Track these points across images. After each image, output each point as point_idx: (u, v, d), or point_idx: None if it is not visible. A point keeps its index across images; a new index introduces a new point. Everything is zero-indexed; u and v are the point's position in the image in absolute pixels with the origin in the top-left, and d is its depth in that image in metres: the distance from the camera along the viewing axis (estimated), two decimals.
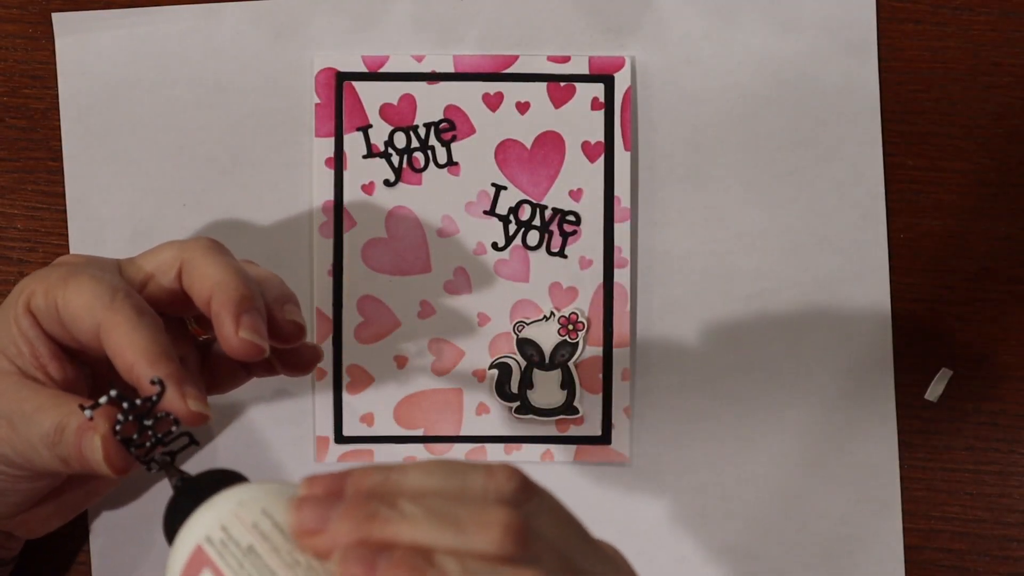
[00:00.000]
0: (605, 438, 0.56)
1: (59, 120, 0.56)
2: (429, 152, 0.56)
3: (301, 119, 0.56)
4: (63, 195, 0.56)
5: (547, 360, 0.56)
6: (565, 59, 0.55)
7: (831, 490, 0.56)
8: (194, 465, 0.56)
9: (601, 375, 0.56)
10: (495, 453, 0.56)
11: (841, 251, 0.56)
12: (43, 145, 0.56)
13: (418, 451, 0.56)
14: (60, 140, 0.56)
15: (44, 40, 0.56)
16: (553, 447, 0.56)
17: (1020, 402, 0.56)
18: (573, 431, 0.56)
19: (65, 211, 0.56)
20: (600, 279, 0.56)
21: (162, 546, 0.55)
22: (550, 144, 0.56)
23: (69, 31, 0.56)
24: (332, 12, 0.56)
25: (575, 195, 0.56)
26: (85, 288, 0.44)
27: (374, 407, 0.56)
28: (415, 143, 0.55)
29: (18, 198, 0.56)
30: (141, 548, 0.56)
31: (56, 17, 0.56)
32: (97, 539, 0.56)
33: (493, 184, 0.56)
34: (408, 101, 0.55)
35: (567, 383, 0.56)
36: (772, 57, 0.56)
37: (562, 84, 0.55)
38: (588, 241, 0.56)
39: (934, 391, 0.56)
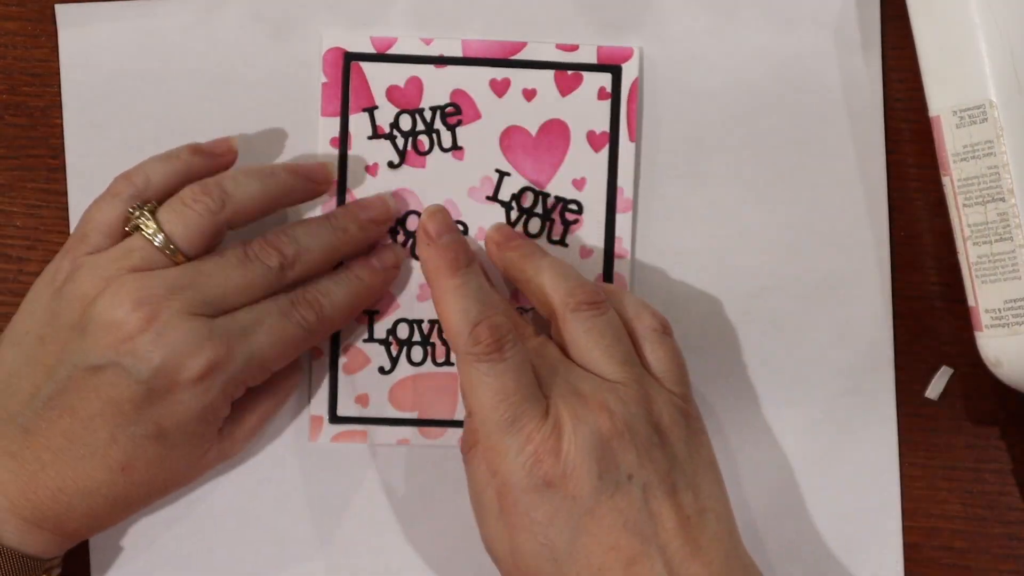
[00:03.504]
0: None
1: (59, 118, 0.58)
2: (434, 136, 0.58)
3: (307, 101, 0.58)
4: (63, 193, 0.58)
5: None
6: (573, 48, 0.58)
7: (831, 489, 0.58)
8: None
9: None
10: None
11: (842, 249, 0.58)
12: (43, 143, 0.59)
13: (411, 434, 0.58)
14: (60, 138, 0.58)
15: (44, 37, 0.59)
16: None
17: (1020, 400, 0.58)
18: None
19: (65, 208, 0.58)
20: (600, 269, 0.58)
21: (162, 545, 0.58)
22: (555, 132, 0.58)
23: (72, 23, 0.58)
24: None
25: (578, 184, 0.58)
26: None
27: (369, 388, 0.58)
28: (420, 126, 0.58)
29: (17, 196, 0.59)
30: (141, 546, 0.58)
31: (59, 8, 0.58)
32: (97, 537, 0.58)
33: (497, 170, 0.58)
34: (415, 84, 0.58)
35: None
36: (774, 54, 0.58)
37: (569, 72, 0.58)
38: (589, 230, 0.58)
39: (935, 389, 0.58)
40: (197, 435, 0.52)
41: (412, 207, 0.58)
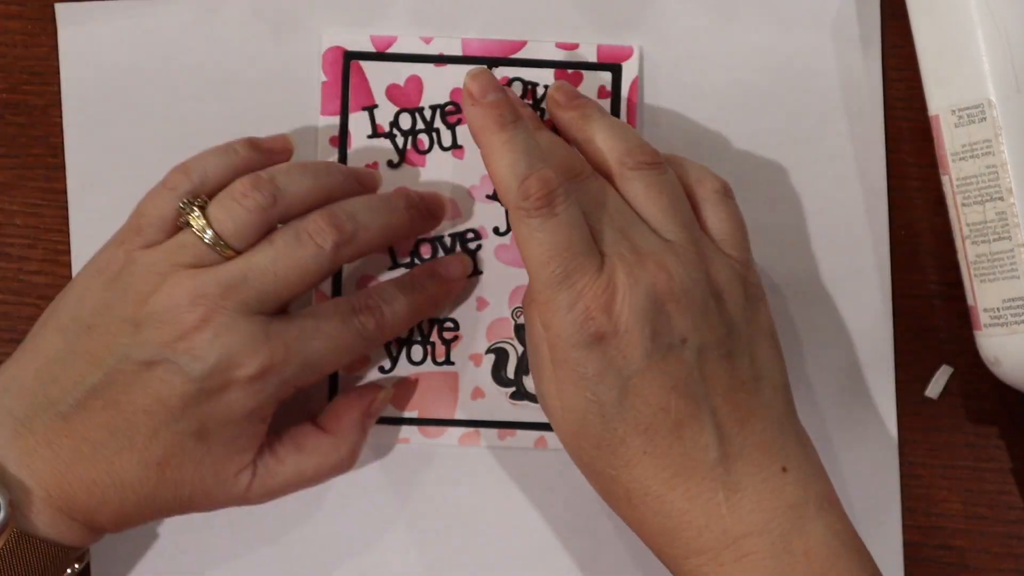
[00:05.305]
0: None
1: (59, 116, 0.59)
2: (434, 134, 0.59)
3: (307, 100, 0.59)
4: (63, 191, 0.59)
5: None
6: (573, 46, 0.59)
7: None
8: None
9: None
10: (489, 438, 0.59)
11: (842, 248, 0.59)
12: (43, 141, 0.60)
13: (411, 434, 0.59)
14: (60, 136, 0.59)
15: (44, 36, 0.60)
16: (547, 434, 0.59)
17: (1020, 399, 0.58)
18: None
19: (65, 207, 0.59)
20: None
21: (163, 544, 0.58)
22: (555, 131, 0.59)
23: (72, 22, 0.59)
24: None
25: None
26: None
27: None
28: (420, 125, 0.59)
29: (18, 194, 0.60)
30: (141, 545, 0.59)
31: (59, 7, 0.59)
32: None
33: None
34: (415, 83, 0.59)
35: None
36: (774, 52, 0.59)
37: (569, 71, 0.59)
38: None
39: (935, 388, 0.59)
40: (238, 439, 0.53)
41: None
